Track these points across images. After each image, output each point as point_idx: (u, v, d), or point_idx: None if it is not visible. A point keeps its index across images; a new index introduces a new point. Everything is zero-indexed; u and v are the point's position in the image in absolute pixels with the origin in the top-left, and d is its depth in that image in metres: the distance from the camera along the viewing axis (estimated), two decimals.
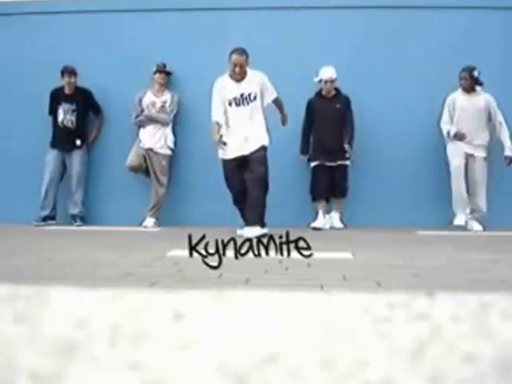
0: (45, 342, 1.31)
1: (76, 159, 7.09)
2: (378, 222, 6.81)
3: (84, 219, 7.10)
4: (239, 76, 5.50)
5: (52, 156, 7.08)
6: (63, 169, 7.15)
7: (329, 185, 6.80)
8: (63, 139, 7.06)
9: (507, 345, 1.32)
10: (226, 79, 5.54)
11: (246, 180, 5.55)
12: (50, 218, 7.05)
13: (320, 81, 6.75)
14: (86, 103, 7.14)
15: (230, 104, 5.50)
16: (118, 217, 7.05)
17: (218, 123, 5.47)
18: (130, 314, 1.57)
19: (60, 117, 7.09)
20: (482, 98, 6.64)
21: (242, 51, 5.47)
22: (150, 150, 6.95)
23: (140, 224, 6.84)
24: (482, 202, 6.56)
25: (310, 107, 6.84)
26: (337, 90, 6.81)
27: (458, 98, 6.67)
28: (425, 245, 4.97)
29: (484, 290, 2.49)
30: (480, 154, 6.65)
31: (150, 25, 7.28)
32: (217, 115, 5.50)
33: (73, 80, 7.06)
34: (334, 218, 6.87)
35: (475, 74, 6.58)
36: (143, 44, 7.21)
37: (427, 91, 6.87)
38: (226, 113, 5.52)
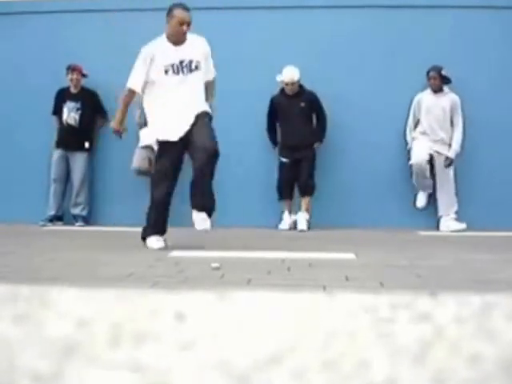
0: (45, 342, 1.31)
1: (80, 159, 7.06)
2: (377, 222, 6.78)
3: (86, 219, 7.09)
4: (181, 38, 4.41)
5: (57, 156, 7.07)
6: (68, 168, 7.13)
7: (293, 183, 6.67)
8: (67, 138, 7.02)
9: (511, 345, 1.31)
10: (163, 42, 4.44)
11: (194, 158, 4.36)
12: (57, 218, 7.03)
13: (282, 81, 6.64)
14: (91, 104, 7.11)
15: (166, 72, 4.36)
16: (120, 217, 7.03)
17: (132, 92, 4.47)
18: (131, 314, 1.57)
19: (64, 115, 7.05)
20: (448, 98, 6.66)
21: (187, 6, 4.43)
22: (151, 148, 6.92)
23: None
24: (452, 198, 6.59)
25: (274, 105, 6.72)
26: (301, 87, 6.65)
27: (425, 97, 6.69)
28: (427, 245, 4.96)
29: (487, 291, 2.48)
30: (445, 152, 6.63)
31: (152, 24, 7.25)
32: (135, 80, 4.42)
33: (75, 77, 7.01)
34: (299, 219, 6.44)
35: (443, 72, 6.58)
36: (146, 43, 7.19)
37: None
38: (160, 85, 4.39)
